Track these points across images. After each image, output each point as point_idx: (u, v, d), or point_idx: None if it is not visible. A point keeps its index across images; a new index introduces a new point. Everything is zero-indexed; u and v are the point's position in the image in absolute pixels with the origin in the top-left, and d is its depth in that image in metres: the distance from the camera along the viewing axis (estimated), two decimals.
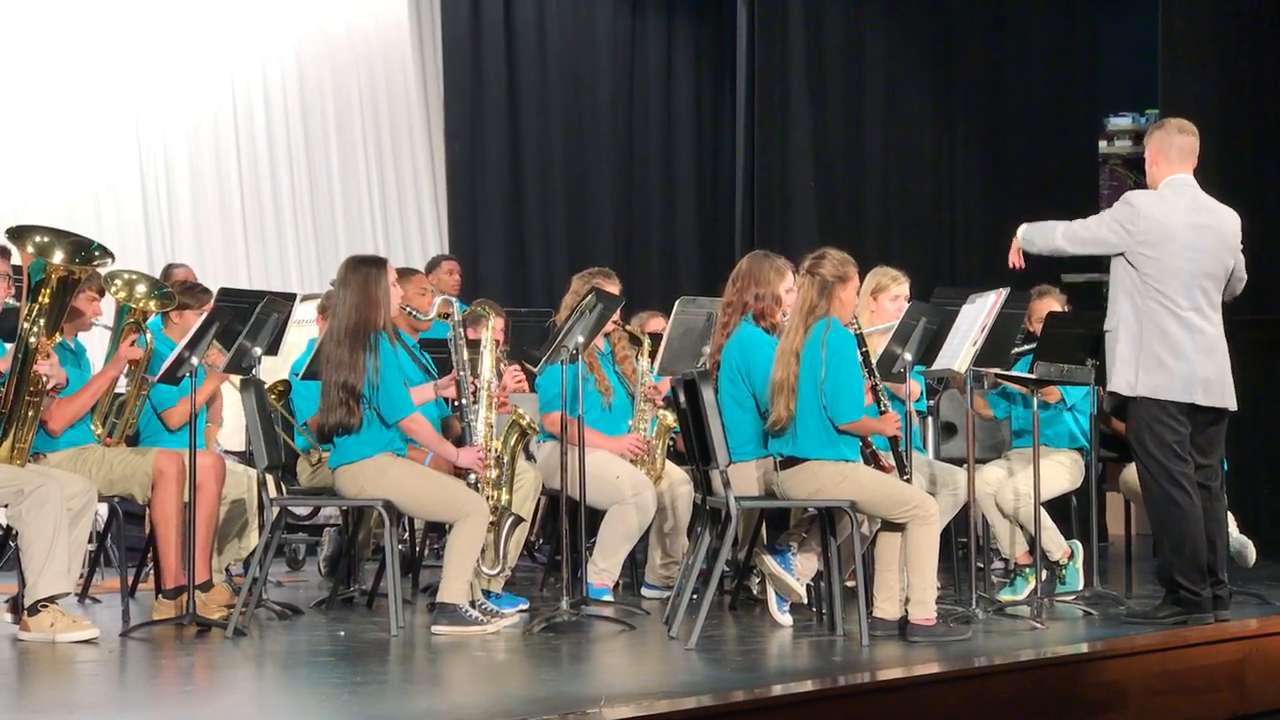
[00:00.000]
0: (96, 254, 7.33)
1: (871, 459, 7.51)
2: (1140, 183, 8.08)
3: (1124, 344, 7.60)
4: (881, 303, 8.50)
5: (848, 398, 7.24)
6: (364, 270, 7.50)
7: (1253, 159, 11.76)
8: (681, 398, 7.55)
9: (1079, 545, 8.73)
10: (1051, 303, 8.98)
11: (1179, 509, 7.52)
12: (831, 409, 7.22)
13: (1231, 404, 7.73)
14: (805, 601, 7.72)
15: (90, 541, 8.24)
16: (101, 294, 7.99)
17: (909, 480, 7.66)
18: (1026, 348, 8.65)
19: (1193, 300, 7.58)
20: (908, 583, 7.32)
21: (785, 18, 13.95)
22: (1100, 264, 10.03)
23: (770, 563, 7.57)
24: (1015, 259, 7.92)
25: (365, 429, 7.39)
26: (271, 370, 8.84)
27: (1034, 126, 14.29)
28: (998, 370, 8.39)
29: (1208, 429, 7.71)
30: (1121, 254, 7.64)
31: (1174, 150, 7.70)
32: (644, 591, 8.83)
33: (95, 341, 8.48)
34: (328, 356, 7.43)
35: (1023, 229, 7.88)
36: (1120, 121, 15.31)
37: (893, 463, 7.61)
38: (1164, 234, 7.55)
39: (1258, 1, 11.79)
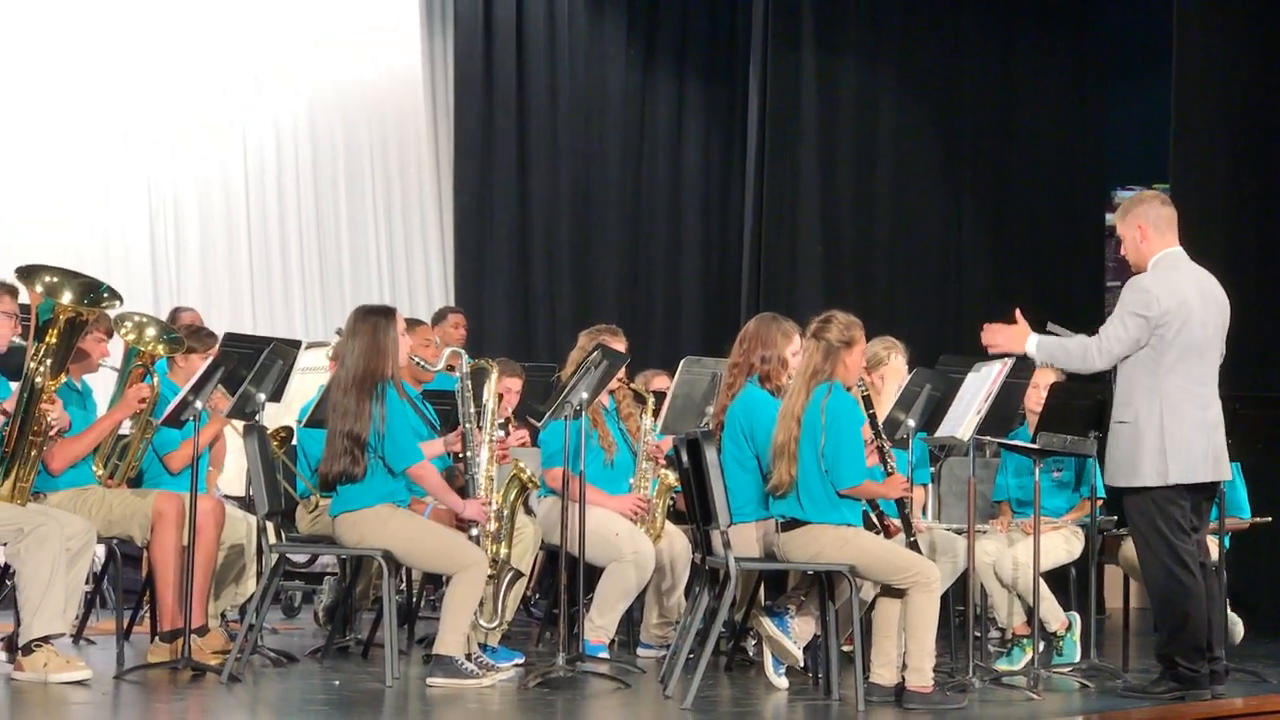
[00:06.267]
0: (105, 296, 7.34)
1: (878, 520, 7.51)
2: None
3: (1149, 435, 7.43)
4: (884, 373, 8.54)
5: (848, 463, 7.23)
6: (373, 319, 7.51)
7: (1261, 235, 11.78)
8: (684, 457, 7.55)
9: (1077, 617, 8.72)
10: (1049, 374, 8.96)
11: (1183, 588, 7.44)
12: (832, 474, 7.21)
13: (1229, 475, 7.73)
14: (801, 665, 7.70)
15: (87, 582, 8.23)
16: (110, 335, 8.00)
17: (915, 543, 7.65)
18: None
19: (1205, 373, 7.53)
20: (905, 649, 7.30)
21: (797, 82, 14.00)
22: None
23: (768, 625, 7.55)
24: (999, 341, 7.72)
25: (369, 478, 7.38)
26: (274, 417, 8.83)
27: (1041, 197, 14.34)
28: (1000, 440, 8.39)
29: (1203, 503, 7.68)
30: None
31: (1162, 222, 7.60)
32: (639, 650, 8.81)
33: (101, 382, 8.47)
34: (334, 405, 7.43)
35: (1038, 348, 7.61)
36: (1127, 195, 15.34)
37: (899, 525, 7.60)
38: (1183, 311, 7.45)
39: (1270, 78, 11.84)
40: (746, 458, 7.66)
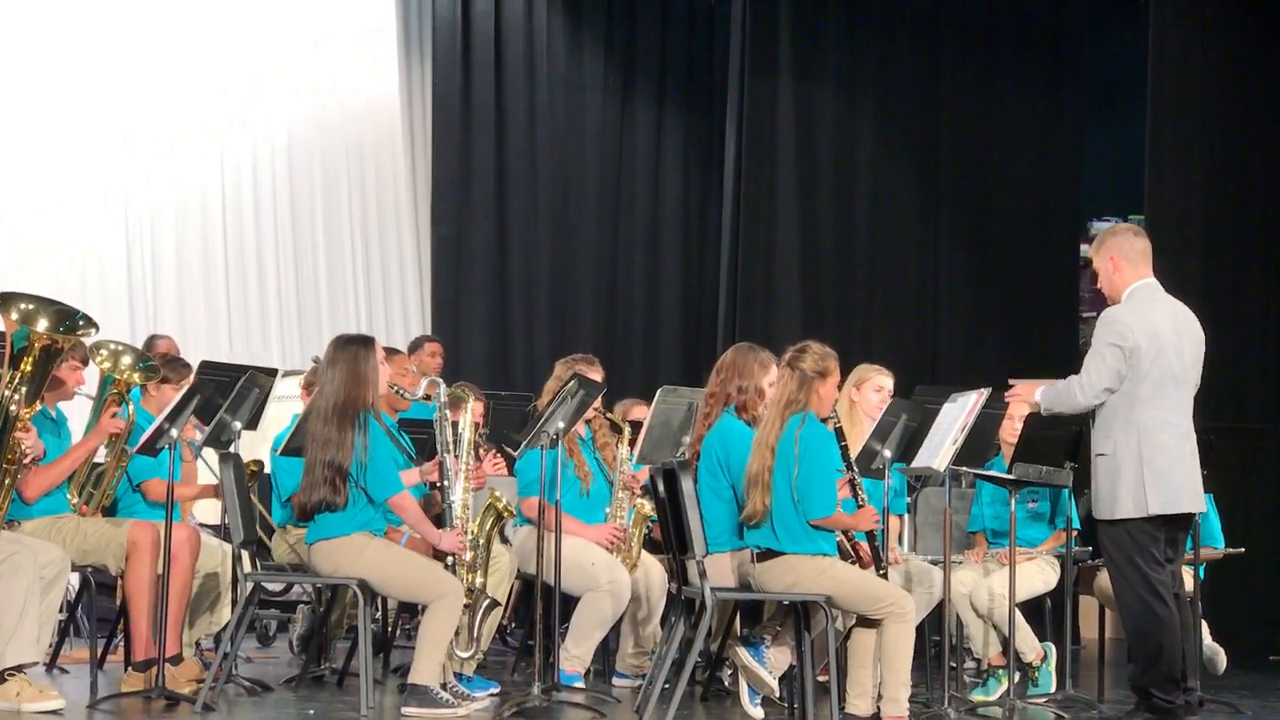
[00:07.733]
0: (80, 323, 7.32)
1: (852, 550, 7.51)
2: None
3: (1127, 468, 7.40)
4: (865, 393, 8.55)
5: (819, 494, 7.23)
6: (353, 349, 7.50)
7: (1236, 267, 11.82)
8: (660, 487, 7.54)
9: (1052, 647, 8.72)
10: (1024, 405, 8.96)
11: (1158, 619, 7.40)
12: (803, 504, 7.21)
13: (1204, 506, 7.73)
14: (777, 695, 7.69)
15: (61, 611, 8.19)
16: (85, 363, 7.97)
17: (885, 575, 7.65)
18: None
19: (1181, 404, 7.51)
20: (880, 679, 7.30)
21: (774, 113, 14.01)
22: None
23: (743, 655, 7.54)
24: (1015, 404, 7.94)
25: (346, 507, 7.35)
26: (250, 445, 8.82)
27: (1018, 228, 14.35)
28: (975, 470, 8.40)
29: (1178, 534, 7.66)
30: None
31: (1136, 254, 7.59)
32: (615, 680, 8.79)
33: (76, 410, 8.46)
34: (313, 434, 7.40)
35: (1040, 395, 7.68)
36: (1103, 226, 15.37)
37: (871, 555, 7.60)
38: (1158, 342, 7.43)
39: (1244, 110, 11.88)
40: (722, 487, 7.66)
